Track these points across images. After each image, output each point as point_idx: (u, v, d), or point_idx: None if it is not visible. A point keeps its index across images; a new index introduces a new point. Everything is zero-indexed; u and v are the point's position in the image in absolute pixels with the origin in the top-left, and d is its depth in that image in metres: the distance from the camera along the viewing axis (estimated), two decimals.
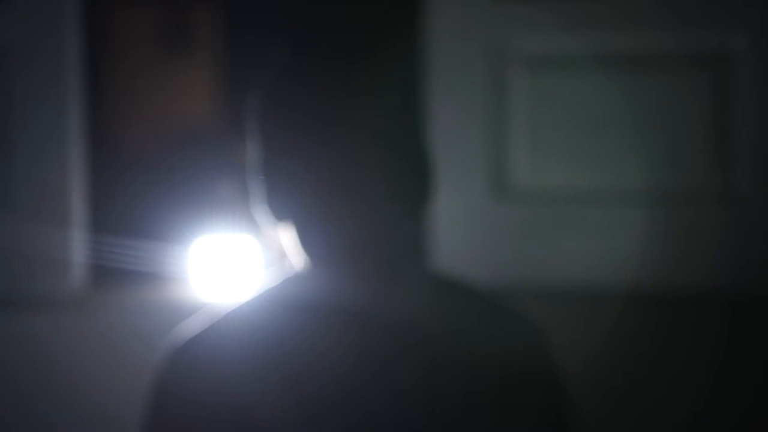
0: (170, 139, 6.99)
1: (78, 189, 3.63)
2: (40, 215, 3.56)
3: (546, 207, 3.50)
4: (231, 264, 4.06)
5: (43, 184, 3.57)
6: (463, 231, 3.50)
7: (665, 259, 3.41)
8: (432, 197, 1.50)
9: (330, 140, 1.42)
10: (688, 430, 3.29)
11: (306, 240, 1.45)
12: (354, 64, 1.46)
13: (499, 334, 1.54)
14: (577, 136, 3.49)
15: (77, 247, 3.60)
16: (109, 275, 3.80)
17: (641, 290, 3.39)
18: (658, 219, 3.42)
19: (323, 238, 1.44)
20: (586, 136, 3.48)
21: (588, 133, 3.48)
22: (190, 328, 1.50)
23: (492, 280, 3.35)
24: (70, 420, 3.40)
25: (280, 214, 1.46)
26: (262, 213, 1.50)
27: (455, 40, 3.52)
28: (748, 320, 3.32)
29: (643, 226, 3.42)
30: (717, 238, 3.41)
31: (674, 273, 3.41)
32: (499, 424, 1.49)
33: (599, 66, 3.46)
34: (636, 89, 3.45)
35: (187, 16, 7.03)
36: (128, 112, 7.03)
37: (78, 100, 3.64)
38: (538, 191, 3.50)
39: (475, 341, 1.51)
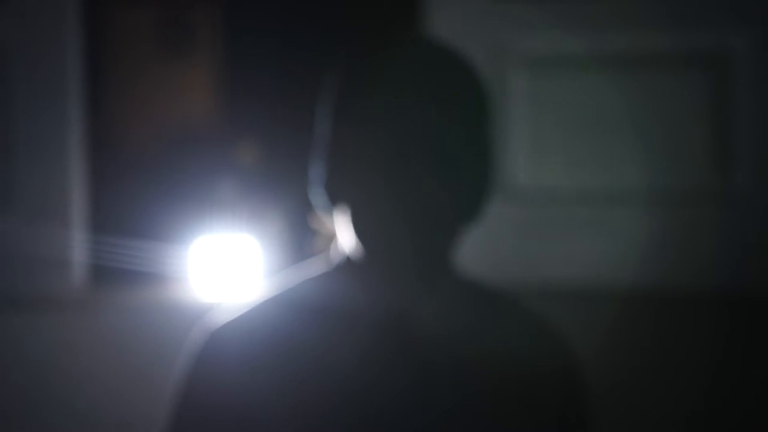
0: (170, 139, 7.00)
1: (78, 189, 3.64)
2: (40, 215, 3.56)
3: (546, 207, 3.50)
4: (231, 264, 4.06)
5: (43, 184, 3.58)
6: None
7: (664, 259, 3.41)
8: (481, 218, 1.53)
9: (400, 134, 1.45)
10: (687, 430, 3.29)
11: (359, 221, 1.48)
12: (437, 73, 1.49)
13: (514, 344, 1.54)
14: (577, 136, 3.49)
15: (77, 247, 3.61)
16: (109, 275, 3.80)
17: (640, 290, 3.39)
18: (658, 219, 3.43)
19: (376, 220, 1.46)
20: (586, 136, 3.48)
21: (588, 133, 3.48)
22: (217, 320, 1.52)
23: (491, 280, 3.35)
24: (70, 420, 3.40)
25: (337, 196, 1.50)
26: (319, 195, 1.54)
27: (455, 40, 3.51)
28: (747, 320, 3.33)
29: (642, 226, 3.42)
30: (716, 239, 3.41)
31: (673, 273, 3.41)
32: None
33: (599, 66, 3.46)
34: (636, 89, 3.45)
35: (187, 16, 7.04)
36: (128, 112, 7.04)
37: (78, 100, 3.64)
38: (538, 191, 3.51)
39: (488, 349, 1.52)
